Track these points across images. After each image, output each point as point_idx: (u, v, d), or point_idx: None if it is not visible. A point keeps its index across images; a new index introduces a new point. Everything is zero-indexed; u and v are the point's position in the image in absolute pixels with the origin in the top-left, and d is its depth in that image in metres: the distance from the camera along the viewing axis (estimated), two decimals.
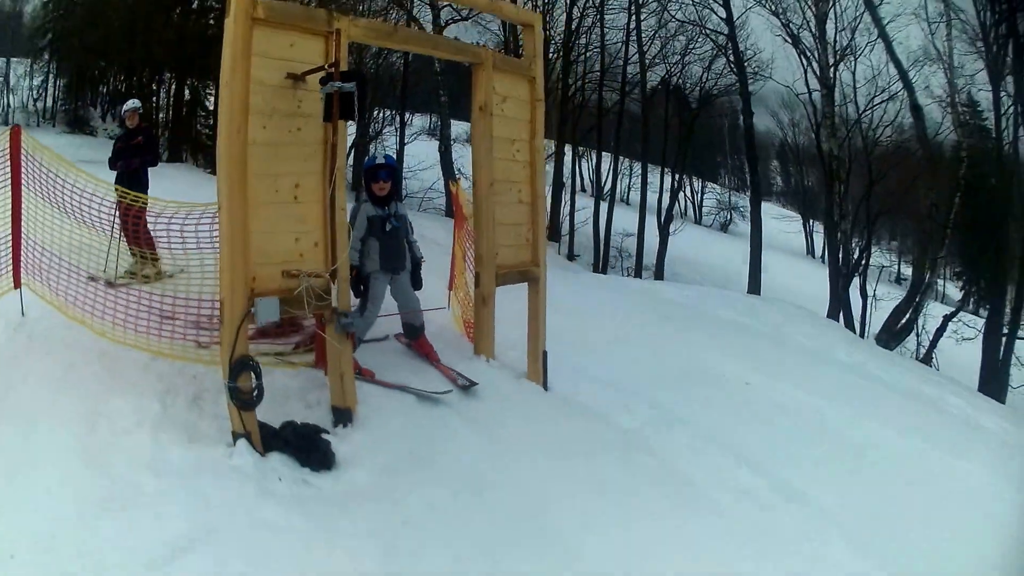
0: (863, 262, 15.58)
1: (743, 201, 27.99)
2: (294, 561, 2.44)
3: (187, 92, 19.38)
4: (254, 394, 3.15)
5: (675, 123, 20.67)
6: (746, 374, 6.24)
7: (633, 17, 18.91)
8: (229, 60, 3.12)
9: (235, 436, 3.13)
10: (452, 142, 17.93)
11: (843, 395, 6.24)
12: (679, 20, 17.33)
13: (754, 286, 15.51)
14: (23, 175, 4.24)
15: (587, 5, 19.34)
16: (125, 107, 6.29)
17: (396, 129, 18.38)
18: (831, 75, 15.22)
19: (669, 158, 20.53)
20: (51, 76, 21.43)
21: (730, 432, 4.52)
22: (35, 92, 20.74)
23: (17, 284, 4.35)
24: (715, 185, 31.25)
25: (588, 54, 20.26)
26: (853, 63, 15.06)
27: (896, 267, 22.66)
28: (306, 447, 3.13)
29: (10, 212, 4.29)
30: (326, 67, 3.31)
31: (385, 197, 4.21)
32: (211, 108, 19.32)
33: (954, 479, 4.52)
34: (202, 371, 3.74)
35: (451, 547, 2.67)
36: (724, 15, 16.26)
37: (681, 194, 29.47)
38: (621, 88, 20.08)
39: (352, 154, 14.80)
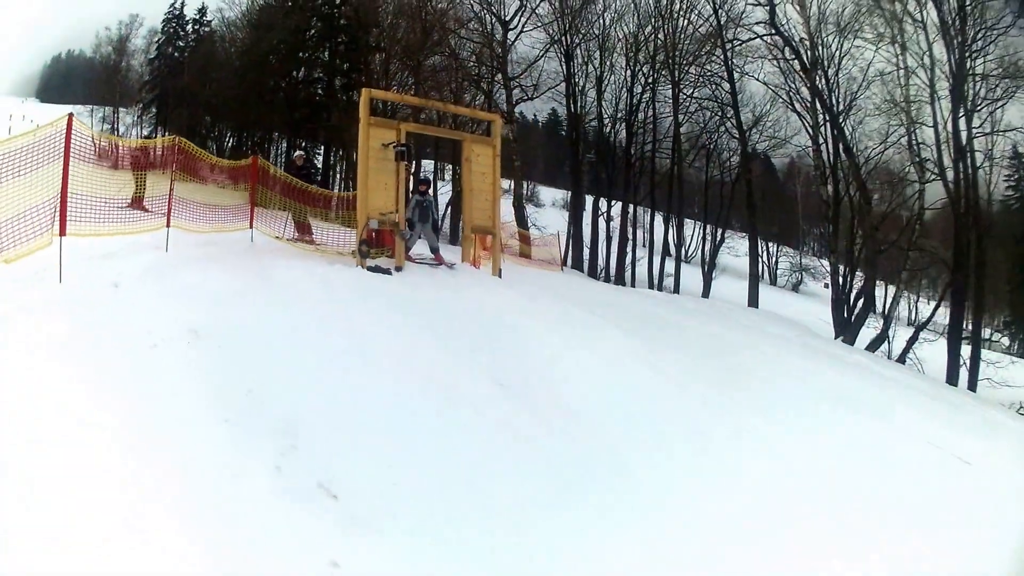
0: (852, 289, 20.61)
1: (815, 263, 32.36)
2: (371, 283, 9.02)
3: (294, 152, 24.12)
4: (368, 253, 9.84)
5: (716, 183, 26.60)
6: (658, 312, 12.15)
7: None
8: (362, 138, 10.03)
9: (358, 265, 9.79)
10: (527, 201, 25.02)
11: (745, 333, 11.73)
12: (691, 96, 23.69)
13: (753, 304, 20.96)
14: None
15: (646, 83, 25.92)
16: (296, 154, 13.64)
17: None
18: (820, 133, 20.94)
19: (711, 216, 26.37)
20: (159, 128, 26.51)
21: (606, 310, 10.55)
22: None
23: (251, 226, 10.66)
24: (789, 248, 35.75)
25: (646, 125, 26.56)
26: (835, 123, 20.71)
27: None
28: (381, 270, 9.71)
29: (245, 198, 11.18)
30: (396, 140, 10.14)
31: (424, 192, 11.00)
32: (319, 166, 25.18)
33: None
34: (341, 259, 10.42)
35: (429, 291, 9.14)
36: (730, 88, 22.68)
37: (759, 258, 34.57)
38: (672, 156, 26.16)
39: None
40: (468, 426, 5.04)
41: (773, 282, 34.40)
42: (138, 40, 28.97)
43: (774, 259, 35.24)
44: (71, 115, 8.21)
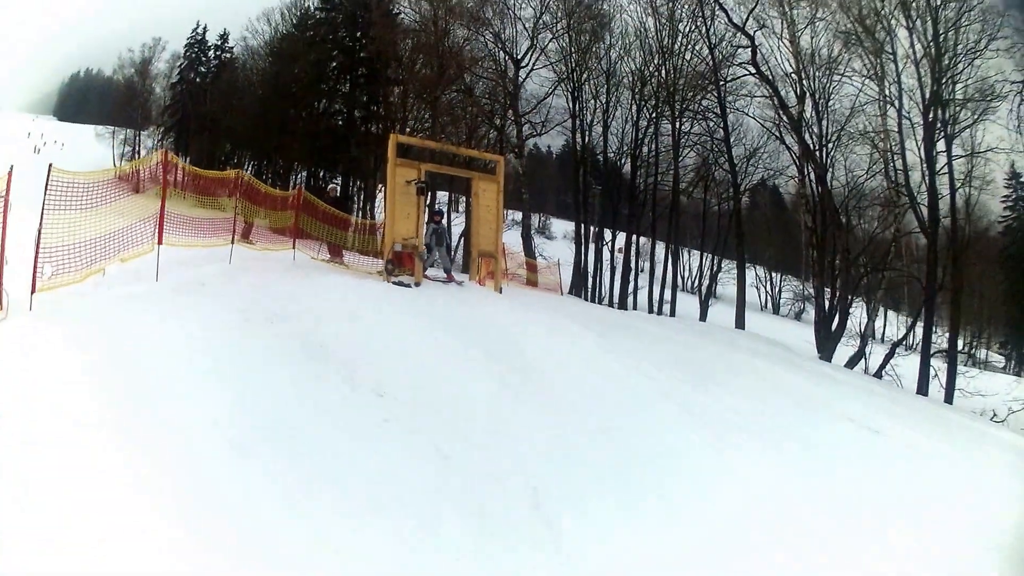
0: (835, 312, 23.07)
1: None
2: (395, 293, 11.76)
3: (313, 181, 26.77)
4: (392, 270, 12.67)
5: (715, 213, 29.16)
6: (638, 325, 14.85)
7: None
8: (389, 175, 12.97)
9: (384, 280, 12.60)
10: (535, 231, 27.60)
11: (715, 343, 14.52)
12: (688, 133, 26.49)
13: (740, 326, 23.50)
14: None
15: (650, 118, 28.15)
16: (330, 186, 16.74)
17: None
18: (806, 164, 23.50)
19: (708, 245, 28.92)
20: (179, 153, 26.50)
21: (588, 319, 13.27)
22: None
23: (293, 246, 13.96)
24: (792, 277, 37.68)
25: (649, 158, 28.56)
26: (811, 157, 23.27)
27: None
28: (403, 284, 12.50)
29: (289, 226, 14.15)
30: (417, 178, 13.03)
31: (438, 221, 13.91)
32: (337, 196, 25.37)
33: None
34: (369, 276, 13.22)
35: (441, 299, 11.89)
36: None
37: (762, 288, 36.66)
38: (672, 188, 28.64)
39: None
40: (462, 369, 8.01)
41: (776, 311, 36.64)
42: (160, 64, 30.62)
43: (777, 288, 37.56)
44: (166, 151, 11.14)
